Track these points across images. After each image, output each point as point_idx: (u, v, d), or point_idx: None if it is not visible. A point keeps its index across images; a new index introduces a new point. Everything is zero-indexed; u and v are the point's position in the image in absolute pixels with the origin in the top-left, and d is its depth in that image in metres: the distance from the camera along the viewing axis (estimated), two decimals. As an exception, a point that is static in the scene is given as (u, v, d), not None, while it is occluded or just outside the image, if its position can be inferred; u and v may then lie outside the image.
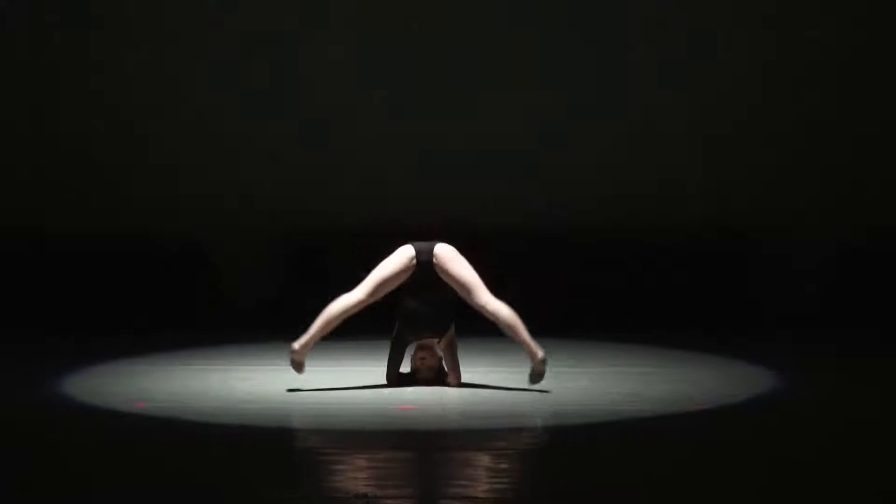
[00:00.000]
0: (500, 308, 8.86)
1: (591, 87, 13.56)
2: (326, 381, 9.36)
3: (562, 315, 12.80)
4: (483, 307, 8.86)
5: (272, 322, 12.73)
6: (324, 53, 13.54)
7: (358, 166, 13.39)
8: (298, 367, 9.00)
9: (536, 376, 8.81)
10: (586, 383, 9.34)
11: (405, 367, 9.14)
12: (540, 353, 8.79)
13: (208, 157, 13.58)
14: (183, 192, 13.51)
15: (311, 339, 8.97)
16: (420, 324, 8.93)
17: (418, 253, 8.90)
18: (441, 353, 9.04)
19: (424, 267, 8.86)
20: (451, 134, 13.47)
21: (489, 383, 9.22)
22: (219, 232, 13.56)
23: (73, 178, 13.53)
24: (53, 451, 7.30)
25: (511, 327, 8.84)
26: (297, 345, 8.99)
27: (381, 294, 8.91)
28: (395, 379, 9.04)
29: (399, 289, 8.95)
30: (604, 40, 13.56)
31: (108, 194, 13.53)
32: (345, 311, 8.91)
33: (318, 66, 13.57)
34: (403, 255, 8.93)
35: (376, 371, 9.46)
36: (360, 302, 8.90)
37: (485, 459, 7.20)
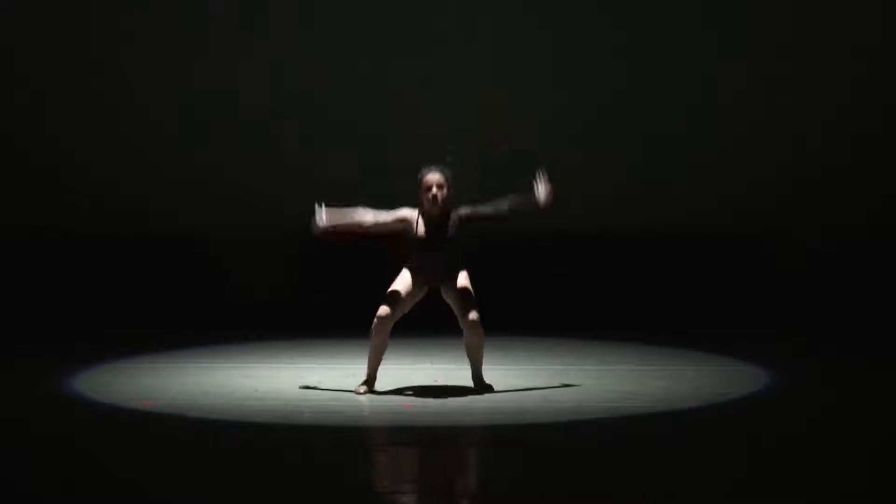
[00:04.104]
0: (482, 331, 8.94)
1: (583, 89, 13.66)
2: (332, 379, 9.46)
3: (561, 314, 12.92)
4: (476, 322, 8.89)
5: (278, 321, 12.85)
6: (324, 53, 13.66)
7: (360, 166, 13.47)
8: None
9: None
10: (586, 381, 9.44)
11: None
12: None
13: (213, 157, 13.62)
14: (190, 193, 13.57)
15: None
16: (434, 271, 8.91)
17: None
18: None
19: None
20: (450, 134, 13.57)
21: (490, 381, 9.32)
22: (226, 231, 13.61)
23: (79, 180, 13.60)
24: (61, 448, 7.38)
25: (481, 350, 8.94)
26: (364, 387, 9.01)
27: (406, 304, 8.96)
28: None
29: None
30: (597, 41, 13.68)
31: (117, 195, 13.59)
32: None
33: (320, 66, 13.66)
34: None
35: (379, 369, 9.54)
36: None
37: (484, 455, 7.31)
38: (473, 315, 8.79)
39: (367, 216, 8.86)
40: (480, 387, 8.99)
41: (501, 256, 13.42)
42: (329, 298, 13.26)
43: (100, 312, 12.91)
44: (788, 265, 13.57)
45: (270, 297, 13.50)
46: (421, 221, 8.83)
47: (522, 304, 13.14)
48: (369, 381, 8.96)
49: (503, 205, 8.88)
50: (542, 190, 8.93)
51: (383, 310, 8.80)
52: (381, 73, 13.58)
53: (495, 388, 9.01)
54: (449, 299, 8.91)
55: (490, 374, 9.25)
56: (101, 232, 13.48)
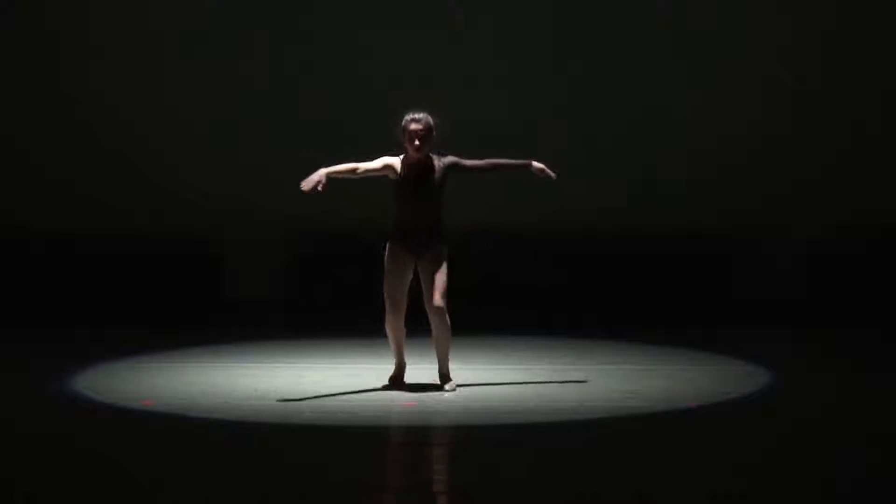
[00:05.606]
0: (448, 320, 8.93)
1: (583, 89, 13.68)
2: (332, 378, 9.47)
3: (561, 314, 12.94)
4: (441, 308, 8.88)
5: (278, 321, 12.87)
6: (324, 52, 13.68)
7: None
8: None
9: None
10: (585, 381, 9.44)
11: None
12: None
13: (213, 157, 13.65)
14: (189, 192, 13.59)
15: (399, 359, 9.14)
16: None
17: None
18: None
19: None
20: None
21: (490, 380, 9.34)
22: (225, 231, 13.63)
23: (78, 180, 13.62)
24: (61, 448, 7.39)
25: (445, 341, 8.94)
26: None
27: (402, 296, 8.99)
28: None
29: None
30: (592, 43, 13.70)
31: (115, 195, 13.61)
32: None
33: (320, 66, 13.68)
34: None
35: (379, 369, 9.57)
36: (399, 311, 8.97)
37: (483, 455, 7.32)
38: (438, 299, 8.81)
39: (360, 164, 8.85)
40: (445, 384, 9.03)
41: (501, 255, 13.44)
42: (329, 298, 13.28)
43: (100, 312, 12.91)
44: (788, 265, 13.58)
45: (270, 297, 13.51)
46: (405, 168, 8.84)
47: (522, 304, 13.16)
48: (399, 371, 9.10)
49: (490, 161, 9.01)
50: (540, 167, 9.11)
51: (388, 315, 8.91)
52: (380, 72, 13.59)
53: (491, 388, 9.02)
54: (423, 279, 8.90)
55: (490, 374, 9.26)
56: (102, 232, 13.49)
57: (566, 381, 9.32)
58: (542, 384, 9.26)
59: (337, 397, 8.80)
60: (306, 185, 8.60)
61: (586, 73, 13.65)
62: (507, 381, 9.37)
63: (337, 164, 8.87)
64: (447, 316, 8.83)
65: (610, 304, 13.37)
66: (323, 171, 8.67)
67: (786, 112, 13.63)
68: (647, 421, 8.08)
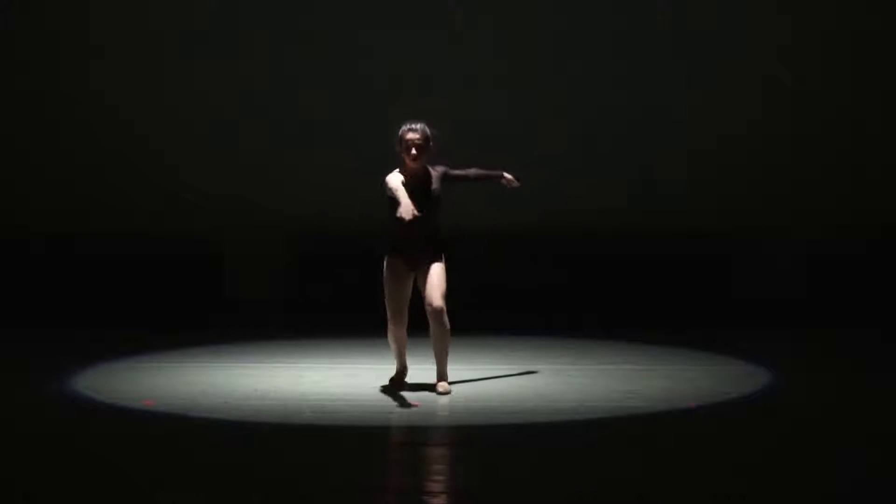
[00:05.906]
0: (446, 321, 8.88)
1: (584, 89, 13.68)
2: (332, 378, 9.47)
3: (561, 314, 12.95)
4: (439, 309, 8.86)
5: (278, 321, 12.87)
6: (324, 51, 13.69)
7: (358, 168, 13.50)
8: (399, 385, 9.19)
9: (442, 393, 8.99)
10: (586, 381, 9.44)
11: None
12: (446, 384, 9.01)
13: (213, 157, 13.65)
14: (189, 192, 13.59)
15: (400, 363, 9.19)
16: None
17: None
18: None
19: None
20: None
21: (490, 380, 9.35)
22: (225, 231, 13.64)
23: (78, 180, 13.62)
24: (61, 448, 7.39)
25: (443, 342, 8.91)
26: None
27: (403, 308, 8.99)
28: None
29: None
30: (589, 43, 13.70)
31: (115, 195, 13.62)
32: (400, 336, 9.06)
33: (320, 66, 13.68)
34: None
35: (379, 369, 9.57)
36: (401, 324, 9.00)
37: (483, 455, 7.32)
38: (437, 300, 8.78)
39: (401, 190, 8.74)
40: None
41: (502, 256, 13.44)
42: (329, 298, 13.28)
43: (100, 312, 12.92)
44: (788, 265, 13.58)
45: (270, 297, 13.52)
46: (406, 180, 8.76)
47: (522, 304, 13.16)
48: (400, 372, 9.14)
49: (473, 171, 9.05)
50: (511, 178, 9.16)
51: (390, 325, 8.92)
52: (380, 72, 13.59)
53: (491, 388, 9.02)
54: (420, 282, 8.87)
55: (490, 374, 9.22)
56: (102, 232, 13.50)
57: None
58: (542, 384, 9.26)
59: (337, 397, 8.81)
60: (407, 214, 8.47)
61: (586, 73, 13.66)
62: (507, 380, 9.36)
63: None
64: (446, 317, 8.82)
65: (610, 304, 13.38)
66: (408, 200, 8.56)
67: (786, 112, 13.64)
68: (647, 421, 8.09)
